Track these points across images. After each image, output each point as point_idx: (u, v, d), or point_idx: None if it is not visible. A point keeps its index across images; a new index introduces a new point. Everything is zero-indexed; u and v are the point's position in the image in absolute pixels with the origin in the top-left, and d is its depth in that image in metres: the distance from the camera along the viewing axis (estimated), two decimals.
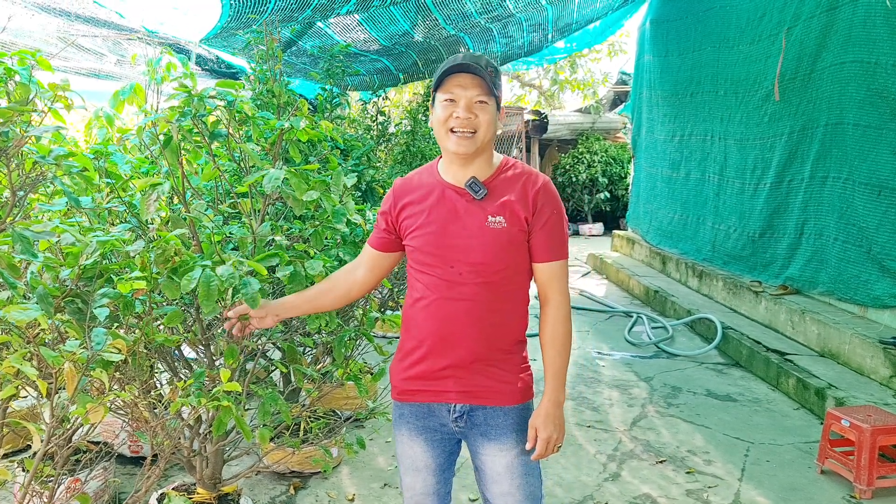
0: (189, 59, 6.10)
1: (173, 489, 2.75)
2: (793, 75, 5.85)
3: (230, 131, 2.47)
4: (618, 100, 16.20)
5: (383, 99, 7.25)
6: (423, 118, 6.58)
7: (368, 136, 6.67)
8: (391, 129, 7.03)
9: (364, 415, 4.11)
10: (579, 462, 3.65)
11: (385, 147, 6.99)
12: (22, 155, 1.71)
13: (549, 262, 1.87)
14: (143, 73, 3.26)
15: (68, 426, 2.15)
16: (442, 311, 1.85)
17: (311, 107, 5.07)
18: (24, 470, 2.60)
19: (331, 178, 2.49)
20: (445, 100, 1.81)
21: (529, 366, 1.95)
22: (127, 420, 2.68)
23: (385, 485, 3.41)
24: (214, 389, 1.89)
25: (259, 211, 2.50)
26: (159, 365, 2.65)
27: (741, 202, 6.82)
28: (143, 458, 3.49)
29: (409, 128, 6.35)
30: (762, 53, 6.35)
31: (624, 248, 10.13)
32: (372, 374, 4.05)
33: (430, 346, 1.88)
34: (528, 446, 1.86)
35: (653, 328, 6.37)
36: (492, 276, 1.83)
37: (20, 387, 1.66)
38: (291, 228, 2.69)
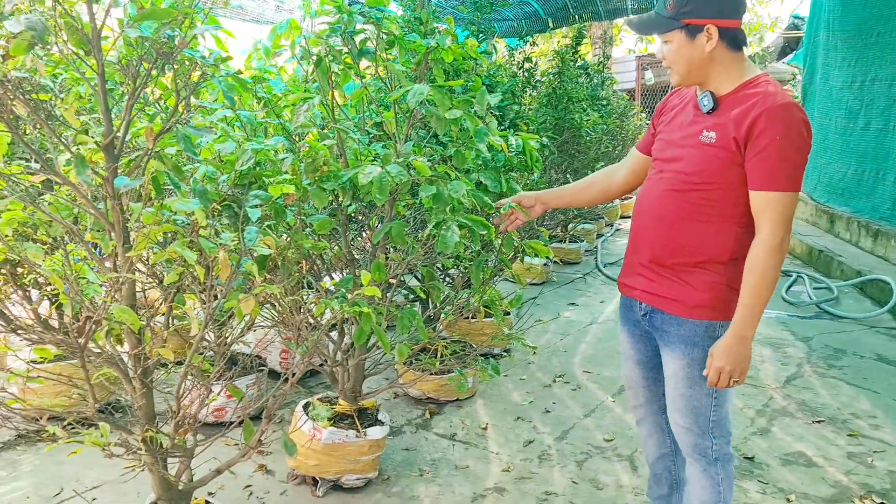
0: None
1: (317, 399, 2.90)
2: None
3: (377, 50, 2.48)
4: (787, 48, 14.84)
5: (531, 45, 7.08)
6: (573, 60, 6.35)
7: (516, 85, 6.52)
8: (538, 77, 6.86)
9: (500, 349, 4.12)
10: None
11: (531, 94, 6.84)
12: (184, 59, 1.81)
13: (761, 192, 1.74)
14: (299, 7, 3.37)
15: (225, 328, 2.31)
16: (640, 208, 2.02)
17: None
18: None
19: (474, 98, 2.45)
20: None
21: (726, 286, 1.86)
22: (277, 330, 2.84)
23: (518, 418, 3.40)
24: (356, 293, 1.94)
25: (403, 134, 2.52)
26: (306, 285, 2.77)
27: None
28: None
29: (556, 69, 6.14)
30: None
31: None
32: (506, 311, 4.02)
33: (631, 239, 2.07)
34: (704, 372, 1.86)
35: (814, 288, 5.86)
36: (689, 187, 1.86)
37: (182, 275, 1.79)
38: (434, 152, 2.69)
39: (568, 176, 6.33)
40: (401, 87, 2.51)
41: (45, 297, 2.91)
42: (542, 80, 6.43)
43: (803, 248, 7.26)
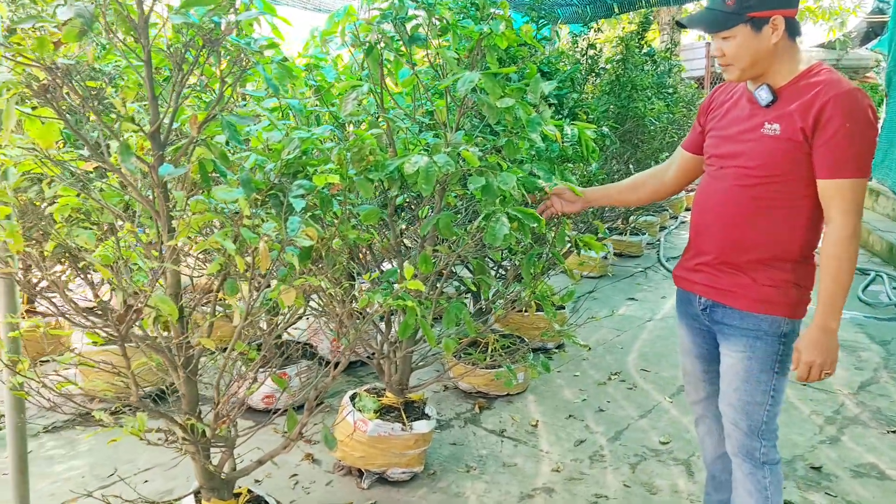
0: None
1: (365, 391, 2.88)
2: None
3: (429, 36, 2.42)
4: (871, 33, 14.02)
5: (595, 31, 6.86)
6: (638, 46, 6.14)
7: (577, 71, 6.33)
8: (601, 64, 6.65)
9: (553, 344, 4.02)
10: (790, 420, 3.26)
11: (594, 82, 6.63)
12: (231, 46, 1.79)
13: (830, 180, 1.71)
14: None
15: (274, 316, 2.31)
16: (701, 206, 1.96)
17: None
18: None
19: (528, 86, 2.36)
20: None
21: (793, 285, 1.82)
22: (325, 320, 2.83)
23: (570, 416, 3.31)
24: (398, 286, 1.89)
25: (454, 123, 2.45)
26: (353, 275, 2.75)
27: None
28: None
29: (620, 56, 5.93)
30: None
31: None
32: (560, 305, 3.91)
33: (692, 237, 2.02)
34: (792, 368, 1.83)
35: (894, 288, 5.52)
36: (755, 181, 1.80)
37: (224, 265, 1.78)
38: (486, 142, 2.61)
39: (630, 166, 6.13)
40: (452, 74, 2.44)
41: (106, 282, 2.98)
42: (606, 67, 6.23)
43: (883, 245, 6.86)
